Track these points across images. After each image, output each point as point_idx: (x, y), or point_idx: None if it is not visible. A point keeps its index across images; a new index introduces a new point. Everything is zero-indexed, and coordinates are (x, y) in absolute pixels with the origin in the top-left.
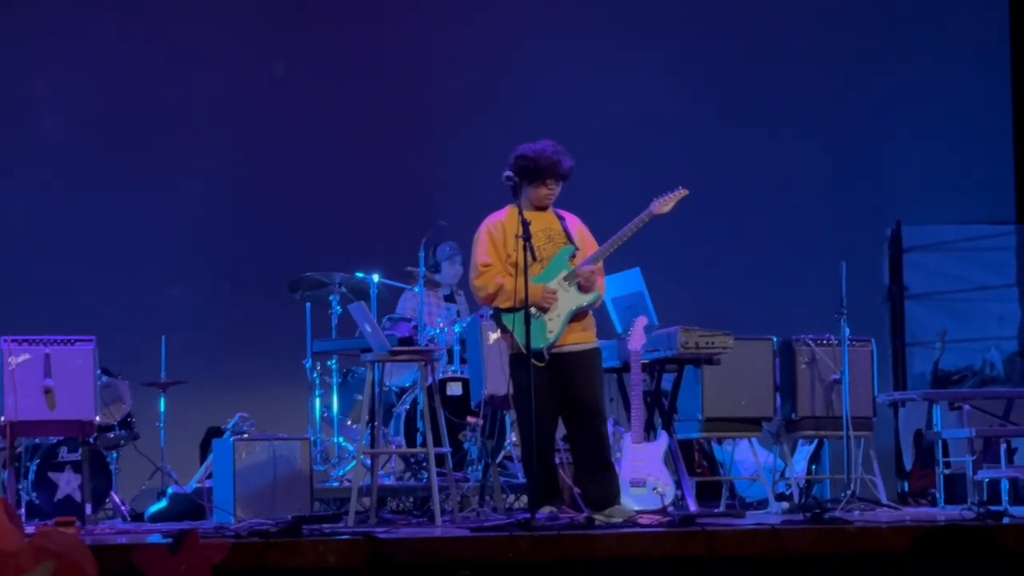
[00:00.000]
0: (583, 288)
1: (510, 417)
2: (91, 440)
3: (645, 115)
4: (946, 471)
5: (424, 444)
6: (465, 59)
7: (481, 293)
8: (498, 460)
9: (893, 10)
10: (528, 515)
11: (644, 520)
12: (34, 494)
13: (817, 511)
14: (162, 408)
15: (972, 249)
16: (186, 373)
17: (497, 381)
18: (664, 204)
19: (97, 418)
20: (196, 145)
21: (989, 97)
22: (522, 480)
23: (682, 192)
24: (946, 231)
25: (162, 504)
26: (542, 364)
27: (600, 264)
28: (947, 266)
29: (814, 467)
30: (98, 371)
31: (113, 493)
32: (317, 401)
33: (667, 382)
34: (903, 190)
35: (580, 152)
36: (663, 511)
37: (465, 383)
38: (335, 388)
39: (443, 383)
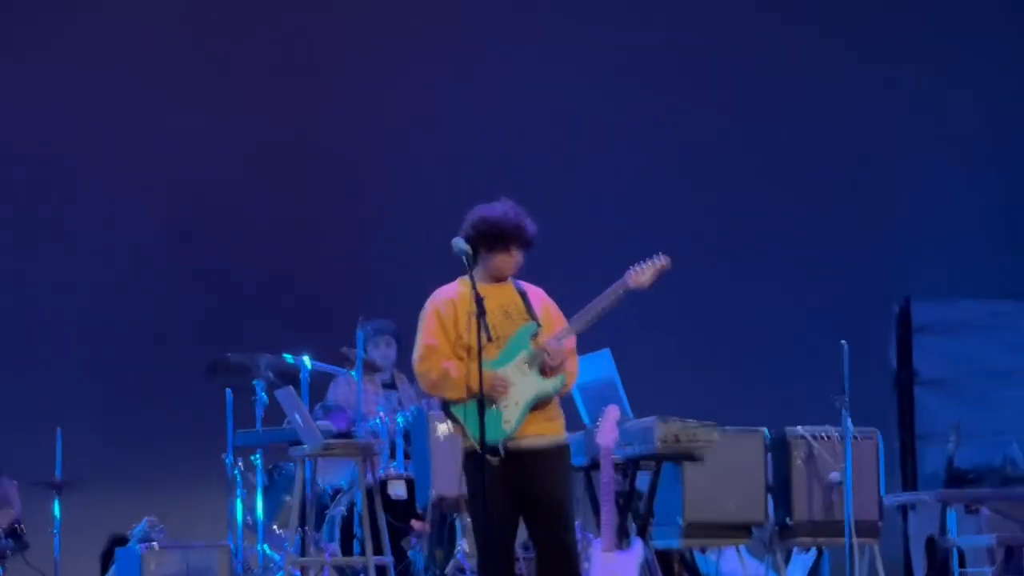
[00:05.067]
0: (547, 371)
1: (462, 522)
2: None
3: (618, 179)
4: None
5: (363, 553)
6: (404, 118)
7: (424, 381)
8: (448, 572)
9: (900, 64)
10: None
11: None
12: None
13: None
14: (56, 512)
15: (991, 327)
16: (85, 471)
17: (447, 480)
18: (641, 275)
19: None
20: (96, 207)
21: (1006, 159)
22: None
23: (662, 262)
24: (961, 307)
25: None
26: (497, 460)
27: (573, 344)
28: (963, 348)
29: None
30: None
31: None
32: (239, 503)
33: (643, 482)
34: (912, 261)
35: (543, 218)
36: None
37: (410, 483)
38: (259, 488)
39: (384, 482)
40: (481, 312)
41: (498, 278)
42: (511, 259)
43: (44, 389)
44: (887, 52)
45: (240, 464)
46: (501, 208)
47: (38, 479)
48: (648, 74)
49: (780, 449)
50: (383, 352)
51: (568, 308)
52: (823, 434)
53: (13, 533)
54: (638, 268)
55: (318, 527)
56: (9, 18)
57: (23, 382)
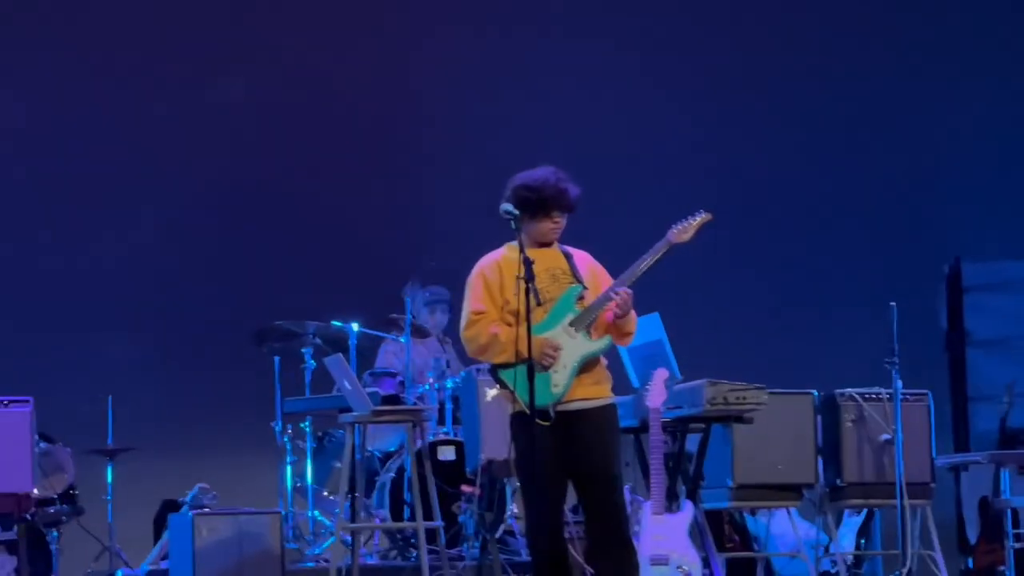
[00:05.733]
0: (593, 332)
1: (511, 485)
2: (28, 516)
3: (663, 139)
4: (1016, 545)
5: (413, 517)
6: (450, 82)
7: (471, 345)
8: (498, 535)
9: (951, 23)
10: None
11: None
12: None
13: None
14: (109, 478)
15: None
16: (137, 438)
17: (496, 444)
18: (683, 232)
19: (35, 491)
20: (147, 182)
21: None
22: (526, 558)
23: (704, 216)
24: (1013, 268)
25: None
26: (547, 424)
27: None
28: (1014, 307)
29: (863, 541)
30: (35, 437)
31: None
32: (289, 469)
33: (692, 444)
34: (962, 220)
35: (586, 180)
36: None
37: (459, 447)
38: (309, 454)
39: (434, 447)
40: (530, 276)
41: (542, 243)
42: (554, 224)
43: (96, 359)
44: (939, 9)
45: (290, 431)
46: (542, 174)
47: (92, 446)
48: (692, 33)
49: (830, 410)
50: (438, 319)
51: (612, 269)
52: (873, 395)
53: (68, 499)
54: (680, 226)
55: (368, 493)
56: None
57: (76, 353)
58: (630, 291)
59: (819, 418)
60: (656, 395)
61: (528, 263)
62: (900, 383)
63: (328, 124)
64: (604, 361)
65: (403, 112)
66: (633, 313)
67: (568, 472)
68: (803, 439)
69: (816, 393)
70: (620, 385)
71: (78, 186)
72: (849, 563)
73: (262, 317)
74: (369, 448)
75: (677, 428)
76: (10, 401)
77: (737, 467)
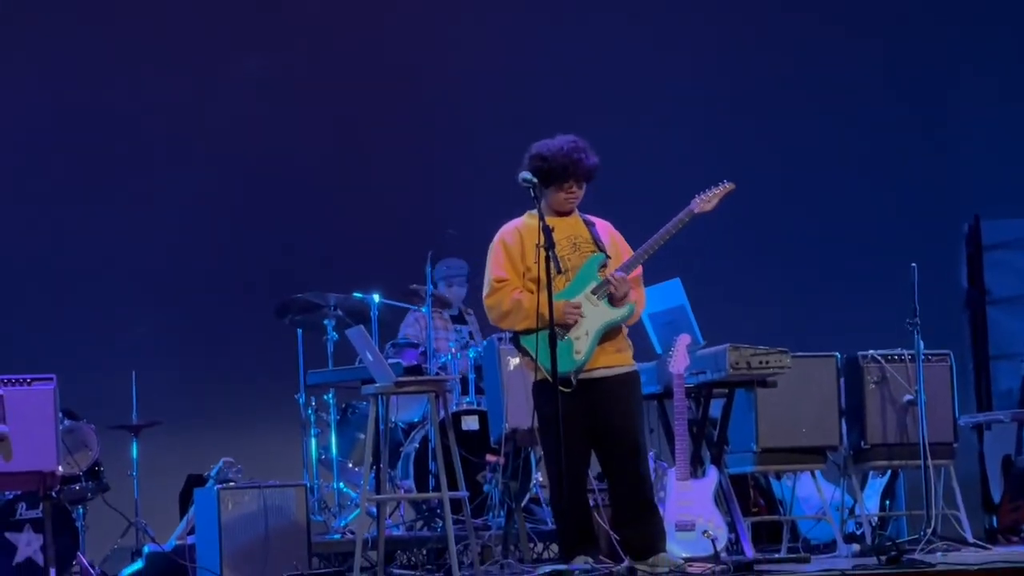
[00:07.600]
0: (615, 300)
1: (535, 454)
2: (53, 494)
3: (684, 106)
4: None
5: (437, 488)
6: (470, 51)
7: (494, 313)
8: (523, 504)
9: None
10: (560, 566)
11: (694, 569)
12: None
13: (893, 553)
14: (134, 454)
15: None
16: (161, 413)
17: (519, 413)
18: (707, 201)
19: (60, 468)
20: (168, 154)
21: None
22: (551, 526)
23: (727, 186)
24: None
25: (138, 565)
26: (569, 390)
27: (639, 273)
28: None
29: (888, 502)
30: (60, 414)
31: (80, 554)
32: (313, 441)
33: (715, 409)
34: (981, 179)
35: (609, 148)
36: (715, 558)
37: (483, 416)
38: (333, 426)
39: (457, 417)
40: (550, 244)
41: (561, 212)
42: (568, 194)
43: (119, 334)
44: None
45: (313, 403)
46: (558, 144)
47: (116, 422)
48: (712, 2)
49: (853, 373)
50: (456, 291)
51: (635, 238)
52: (895, 356)
53: (93, 475)
54: (704, 195)
55: (392, 464)
56: None
57: (99, 329)
58: (623, 276)
59: (842, 381)
60: (679, 361)
61: (548, 230)
62: (922, 344)
63: (349, 98)
64: (625, 329)
65: (425, 84)
66: (639, 289)
67: (591, 439)
68: (826, 402)
69: (839, 356)
70: (643, 351)
71: (100, 163)
72: (874, 524)
73: (284, 290)
74: (393, 419)
75: (700, 393)
76: (33, 379)
77: (761, 431)
